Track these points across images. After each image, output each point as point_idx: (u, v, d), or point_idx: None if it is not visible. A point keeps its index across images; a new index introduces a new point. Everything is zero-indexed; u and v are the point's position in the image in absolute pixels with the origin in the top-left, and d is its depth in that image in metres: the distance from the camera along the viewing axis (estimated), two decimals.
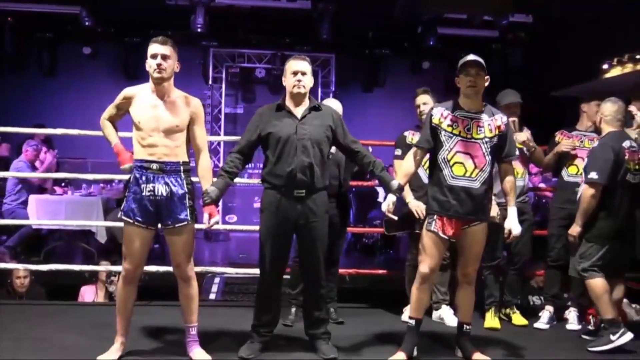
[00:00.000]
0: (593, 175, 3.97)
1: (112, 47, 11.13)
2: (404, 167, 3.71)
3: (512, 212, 3.59)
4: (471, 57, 3.52)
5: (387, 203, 3.59)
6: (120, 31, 10.69)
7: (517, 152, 3.75)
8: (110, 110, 3.53)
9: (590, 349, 3.94)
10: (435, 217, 3.54)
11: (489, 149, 3.52)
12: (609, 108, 4.15)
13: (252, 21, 10.08)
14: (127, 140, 3.68)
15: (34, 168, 7.34)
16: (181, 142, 3.43)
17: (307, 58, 3.72)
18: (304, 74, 3.62)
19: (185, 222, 3.41)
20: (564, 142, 4.62)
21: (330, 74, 11.29)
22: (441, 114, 3.56)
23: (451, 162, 3.50)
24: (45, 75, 10.90)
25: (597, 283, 3.97)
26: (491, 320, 4.43)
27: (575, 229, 4.10)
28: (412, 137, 4.37)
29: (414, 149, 3.69)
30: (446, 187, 3.50)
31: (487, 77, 3.55)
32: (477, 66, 3.49)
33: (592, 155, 4.12)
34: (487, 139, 3.51)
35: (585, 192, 4.03)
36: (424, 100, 4.43)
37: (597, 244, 4.02)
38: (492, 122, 3.54)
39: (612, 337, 3.89)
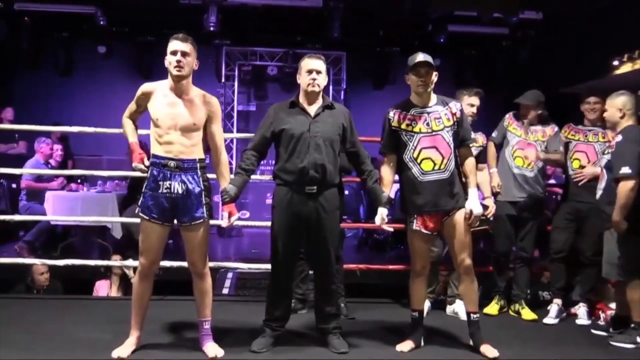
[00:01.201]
0: (626, 170, 3.88)
1: (127, 46, 11.18)
2: (384, 179, 3.76)
3: (472, 192, 3.65)
4: (420, 57, 3.57)
5: (380, 217, 3.66)
6: (134, 30, 10.74)
7: (473, 136, 3.82)
8: (130, 107, 3.56)
9: (612, 342, 3.98)
10: (415, 215, 3.66)
11: (451, 137, 3.62)
12: (630, 101, 4.06)
13: (263, 20, 10.09)
14: (145, 137, 3.74)
15: (49, 166, 7.43)
16: (198, 140, 3.45)
17: (322, 57, 3.74)
18: (318, 72, 3.65)
19: (202, 220, 3.44)
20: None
21: (342, 71, 11.31)
22: (398, 116, 3.66)
23: (419, 160, 3.60)
24: (61, 74, 10.97)
25: (638, 285, 3.96)
26: (490, 307, 4.62)
27: (620, 225, 3.92)
28: None
29: (385, 159, 3.78)
30: (418, 184, 3.60)
31: (435, 72, 3.62)
32: (427, 66, 3.57)
33: (618, 151, 4.00)
34: (447, 128, 3.62)
35: (622, 187, 3.89)
36: (472, 102, 4.54)
37: (635, 242, 3.97)
38: (447, 111, 3.65)
39: (639, 339, 3.93)
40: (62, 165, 7.98)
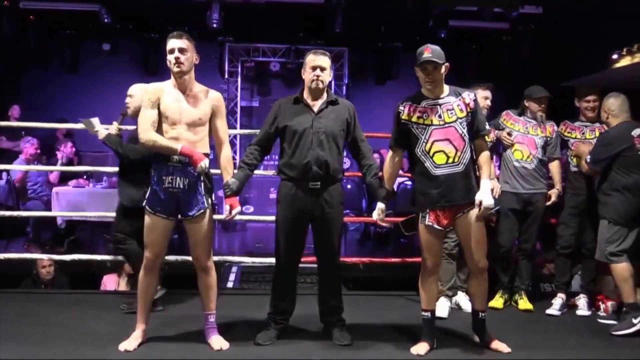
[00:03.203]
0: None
1: (131, 44, 11.20)
2: (386, 173, 3.70)
3: (485, 184, 3.49)
4: (427, 54, 3.42)
5: (377, 212, 3.64)
6: (139, 28, 10.77)
7: (488, 127, 3.68)
8: (148, 117, 3.42)
9: (613, 333, 4.02)
10: (427, 210, 3.53)
11: (465, 129, 3.48)
12: (614, 103, 4.28)
13: (266, 16, 10.13)
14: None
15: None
16: (203, 135, 3.48)
17: (327, 53, 3.72)
18: (323, 69, 3.64)
19: (203, 211, 3.46)
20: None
21: (344, 67, 11.34)
22: (408, 109, 3.53)
23: (431, 153, 3.47)
24: (67, 71, 10.98)
25: (624, 267, 4.07)
26: (495, 301, 4.62)
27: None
28: None
29: (390, 152, 3.68)
30: (432, 178, 3.47)
31: (445, 64, 3.47)
32: (434, 63, 3.42)
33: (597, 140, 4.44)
34: (460, 120, 3.47)
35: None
36: (486, 95, 4.56)
37: (623, 227, 4.12)
38: (460, 101, 3.50)
39: (634, 321, 3.99)
40: (70, 161, 8.07)
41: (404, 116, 3.54)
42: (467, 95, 3.54)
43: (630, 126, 4.22)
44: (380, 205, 3.64)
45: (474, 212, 3.51)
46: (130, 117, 4.26)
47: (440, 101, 3.51)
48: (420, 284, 3.65)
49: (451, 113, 3.48)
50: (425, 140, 3.48)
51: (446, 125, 3.47)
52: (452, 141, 3.46)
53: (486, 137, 3.69)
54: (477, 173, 3.60)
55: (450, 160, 3.46)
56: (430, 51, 3.43)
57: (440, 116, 3.48)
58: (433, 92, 3.52)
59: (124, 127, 4.50)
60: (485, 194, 3.47)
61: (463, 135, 3.48)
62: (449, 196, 3.47)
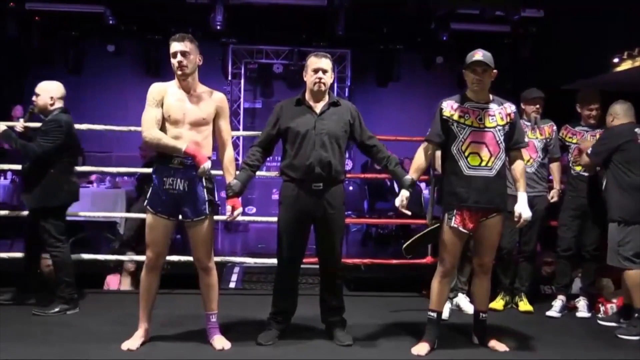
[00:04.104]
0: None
1: (135, 45, 11.25)
2: (415, 163, 3.69)
3: (522, 197, 3.59)
4: (478, 56, 3.48)
5: (401, 199, 3.60)
6: (143, 29, 10.82)
7: (527, 140, 3.73)
8: (153, 116, 3.42)
9: (619, 335, 4.04)
10: (454, 212, 3.54)
11: (502, 137, 3.53)
12: (620, 107, 4.36)
13: (269, 18, 10.18)
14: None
15: None
16: (206, 135, 3.49)
17: (328, 55, 3.72)
18: (324, 71, 3.64)
19: (204, 216, 3.48)
20: None
21: (346, 69, 11.39)
22: (451, 107, 3.57)
23: (466, 153, 3.51)
24: (70, 72, 11.01)
25: (638, 273, 4.08)
26: (495, 302, 4.65)
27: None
28: None
29: (424, 144, 3.69)
30: (463, 178, 3.50)
31: (494, 71, 3.54)
32: (485, 65, 3.48)
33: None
34: (499, 127, 3.53)
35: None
36: None
37: (634, 227, 4.12)
38: (502, 110, 3.57)
39: None
40: None
41: (446, 113, 3.58)
42: (509, 107, 3.61)
43: (633, 126, 4.29)
44: (404, 193, 3.60)
45: (497, 220, 3.57)
46: (38, 114, 4.45)
47: (483, 105, 3.57)
48: (434, 284, 3.66)
49: (492, 119, 3.54)
50: (463, 140, 3.53)
51: (485, 129, 3.52)
52: (488, 145, 3.51)
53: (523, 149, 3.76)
54: (515, 184, 3.68)
55: (484, 163, 3.50)
56: (481, 54, 3.49)
57: (481, 119, 3.54)
58: (478, 95, 3.57)
59: (30, 124, 4.63)
60: (524, 207, 3.56)
61: (499, 142, 3.53)
62: (477, 198, 3.50)
